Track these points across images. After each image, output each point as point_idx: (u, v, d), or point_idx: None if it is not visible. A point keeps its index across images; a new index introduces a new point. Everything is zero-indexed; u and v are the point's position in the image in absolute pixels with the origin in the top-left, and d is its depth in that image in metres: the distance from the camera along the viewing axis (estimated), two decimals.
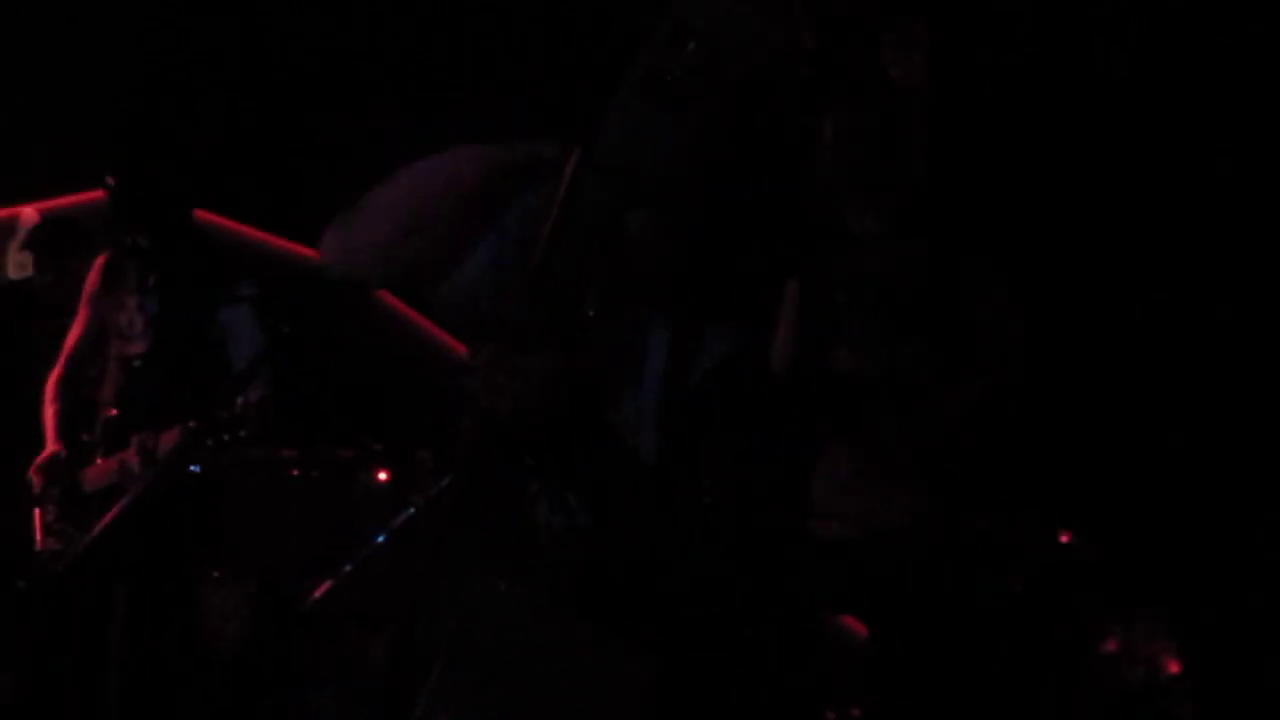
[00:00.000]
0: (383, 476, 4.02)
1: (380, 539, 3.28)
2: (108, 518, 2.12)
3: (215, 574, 3.97)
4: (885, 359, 2.94)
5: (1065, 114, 3.60)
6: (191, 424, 3.26)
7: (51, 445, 3.73)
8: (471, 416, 1.70)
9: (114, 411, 3.67)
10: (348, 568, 3.53)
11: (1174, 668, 2.79)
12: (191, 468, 3.44)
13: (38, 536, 3.71)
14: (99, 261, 3.83)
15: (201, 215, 3.94)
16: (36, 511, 3.73)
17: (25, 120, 4.81)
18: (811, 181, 2.97)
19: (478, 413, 1.66)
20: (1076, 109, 3.59)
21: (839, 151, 2.98)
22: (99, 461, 3.64)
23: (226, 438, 3.23)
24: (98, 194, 3.80)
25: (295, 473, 4.12)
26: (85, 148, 4.68)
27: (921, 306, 2.94)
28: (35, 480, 3.70)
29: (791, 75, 2.93)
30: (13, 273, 5.08)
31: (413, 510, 2.24)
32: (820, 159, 2.96)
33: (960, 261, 2.97)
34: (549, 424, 1.64)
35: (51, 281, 4.18)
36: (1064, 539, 2.72)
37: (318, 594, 3.57)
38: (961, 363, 2.92)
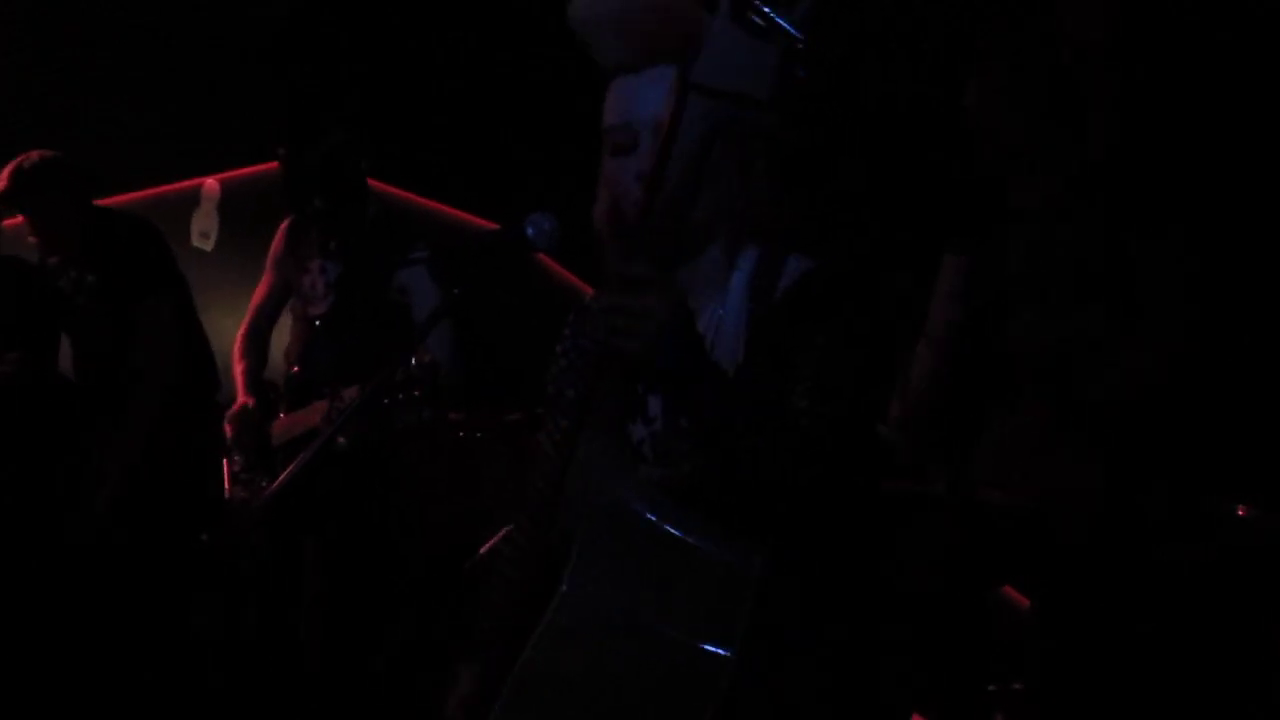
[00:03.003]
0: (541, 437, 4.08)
1: None
2: (287, 472, 2.20)
3: (386, 531, 4.09)
4: (1058, 332, 2.86)
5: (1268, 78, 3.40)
6: (368, 385, 3.35)
7: (242, 397, 3.85)
8: (598, 360, 1.81)
9: (296, 369, 3.81)
10: (510, 528, 3.62)
11: None
12: (366, 431, 3.54)
13: (226, 485, 3.85)
14: (283, 225, 3.96)
15: (375, 184, 4.03)
16: (225, 461, 3.88)
17: (204, 93, 4.98)
18: (965, 145, 2.88)
19: (605, 356, 1.77)
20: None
21: (993, 115, 2.86)
22: (282, 416, 3.77)
23: (401, 396, 3.31)
24: (274, 165, 3.91)
25: (463, 434, 4.22)
26: (263, 118, 4.83)
27: (1097, 279, 2.84)
28: (228, 430, 3.81)
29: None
30: (195, 241, 5.28)
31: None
32: (971, 121, 2.85)
33: (1139, 232, 2.84)
34: (669, 359, 1.75)
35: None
36: (1242, 513, 2.62)
37: (484, 551, 3.67)
38: (1135, 335, 2.82)
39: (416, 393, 3.29)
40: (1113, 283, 2.84)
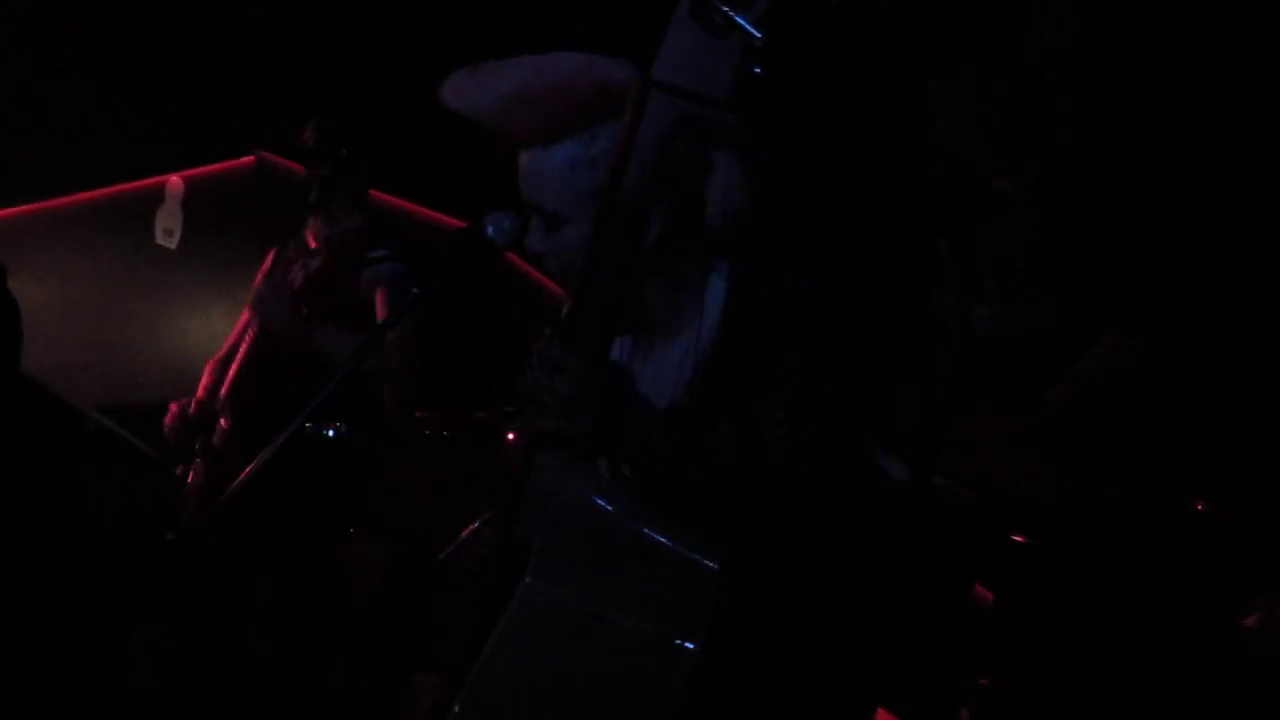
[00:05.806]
0: (513, 438, 4.09)
1: None
2: (247, 471, 2.20)
3: (351, 531, 4.08)
4: (1027, 322, 2.87)
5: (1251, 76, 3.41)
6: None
7: (189, 399, 3.81)
8: (521, 431, 1.84)
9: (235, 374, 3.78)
10: (477, 525, 3.61)
11: None
12: (334, 427, 3.53)
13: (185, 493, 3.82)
14: (269, 255, 3.93)
15: None
16: (184, 467, 3.85)
17: (171, 89, 4.95)
18: (932, 141, 2.90)
19: (525, 429, 1.80)
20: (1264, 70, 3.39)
21: (961, 115, 2.88)
22: (223, 423, 3.76)
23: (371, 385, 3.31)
24: (243, 161, 3.87)
25: (429, 433, 4.21)
26: (228, 116, 4.80)
27: (1066, 269, 2.86)
28: (167, 432, 3.79)
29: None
30: (160, 239, 5.25)
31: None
32: (940, 121, 2.88)
33: (1111, 224, 2.86)
34: (590, 432, 1.78)
35: None
36: (1199, 508, 2.64)
37: (448, 551, 3.66)
38: (1108, 328, 2.83)
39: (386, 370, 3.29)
40: (1079, 276, 2.86)
